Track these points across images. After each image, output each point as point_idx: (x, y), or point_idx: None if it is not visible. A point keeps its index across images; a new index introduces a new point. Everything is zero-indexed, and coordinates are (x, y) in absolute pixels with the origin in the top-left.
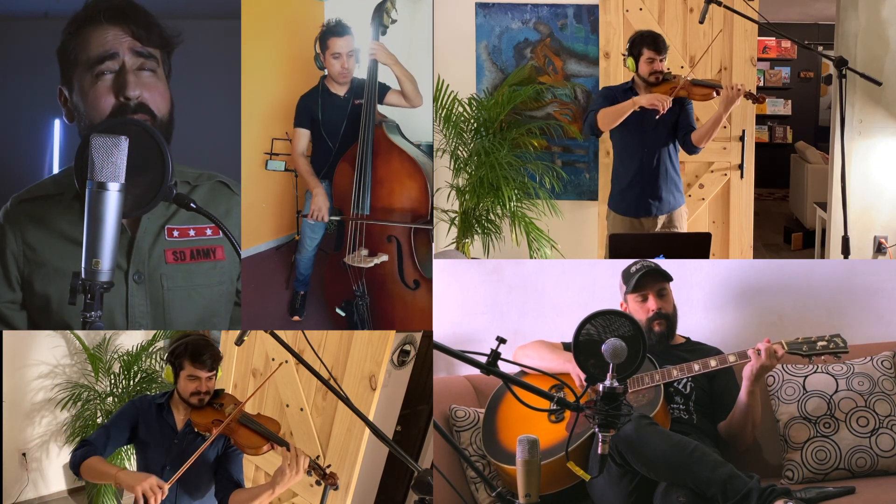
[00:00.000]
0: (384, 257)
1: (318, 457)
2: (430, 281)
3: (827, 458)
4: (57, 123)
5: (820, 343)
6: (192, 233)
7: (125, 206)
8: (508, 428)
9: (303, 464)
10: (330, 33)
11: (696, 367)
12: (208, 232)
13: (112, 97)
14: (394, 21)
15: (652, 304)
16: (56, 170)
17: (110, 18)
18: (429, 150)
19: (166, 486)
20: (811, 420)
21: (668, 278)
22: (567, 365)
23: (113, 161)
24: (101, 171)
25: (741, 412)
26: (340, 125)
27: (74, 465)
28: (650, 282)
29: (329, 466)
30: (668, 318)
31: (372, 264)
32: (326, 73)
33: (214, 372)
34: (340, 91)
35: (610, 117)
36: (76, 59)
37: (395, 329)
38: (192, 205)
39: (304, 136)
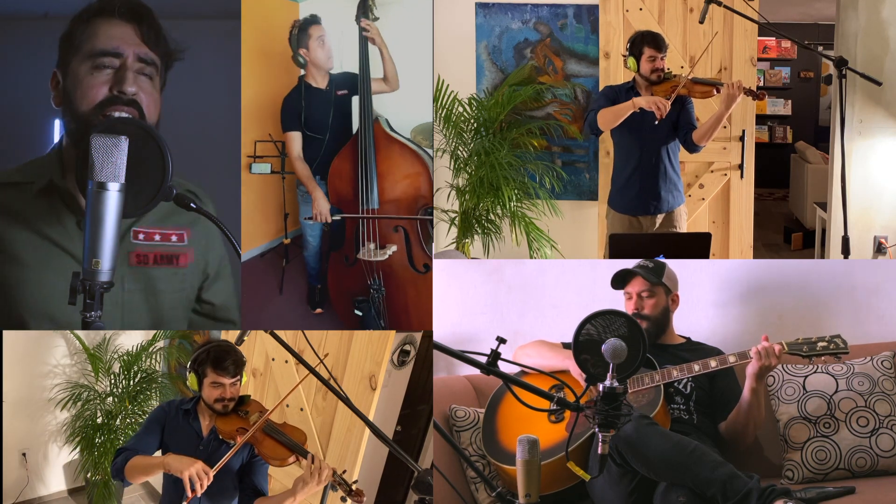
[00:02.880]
0: (394, 248)
1: (343, 472)
2: None
3: (827, 458)
4: (57, 123)
5: (820, 343)
6: (157, 237)
7: (125, 206)
8: (508, 428)
9: (325, 476)
10: (309, 23)
11: (697, 367)
12: (173, 238)
13: (106, 89)
14: (376, 18)
15: (632, 304)
16: None
17: (124, 15)
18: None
19: (212, 472)
20: (811, 420)
21: (655, 281)
22: (567, 361)
23: (113, 161)
24: (101, 171)
25: (744, 412)
26: (326, 119)
27: (118, 472)
28: (629, 280)
29: (356, 482)
30: (646, 320)
31: (386, 256)
32: (304, 72)
33: (238, 378)
34: (322, 84)
35: (609, 117)
36: (79, 46)
37: (408, 313)
38: (192, 205)
39: (296, 139)
